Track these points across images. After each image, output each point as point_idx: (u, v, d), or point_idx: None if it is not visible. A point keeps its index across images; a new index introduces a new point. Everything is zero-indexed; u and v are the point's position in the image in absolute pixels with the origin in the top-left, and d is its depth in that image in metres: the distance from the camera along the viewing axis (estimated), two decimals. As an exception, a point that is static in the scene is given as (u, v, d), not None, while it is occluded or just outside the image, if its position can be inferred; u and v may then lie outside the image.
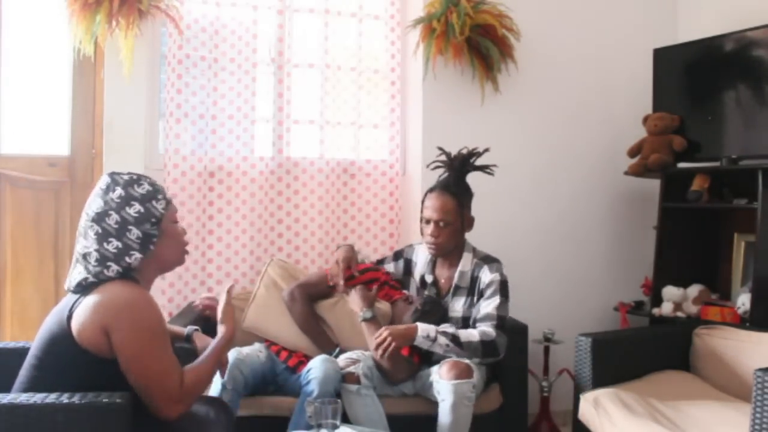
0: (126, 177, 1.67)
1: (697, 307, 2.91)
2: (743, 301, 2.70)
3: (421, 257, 2.62)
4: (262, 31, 3.09)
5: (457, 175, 2.52)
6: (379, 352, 2.24)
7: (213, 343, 1.78)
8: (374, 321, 2.42)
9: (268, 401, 2.36)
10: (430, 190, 2.51)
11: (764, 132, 2.76)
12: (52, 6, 2.78)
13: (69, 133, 2.95)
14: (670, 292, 2.95)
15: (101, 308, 1.54)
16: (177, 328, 2.09)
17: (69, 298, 1.63)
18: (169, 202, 1.72)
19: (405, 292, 2.67)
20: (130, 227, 1.62)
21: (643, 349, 2.62)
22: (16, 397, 1.48)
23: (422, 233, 2.53)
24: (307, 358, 2.43)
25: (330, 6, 3.15)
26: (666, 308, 2.96)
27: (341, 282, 2.51)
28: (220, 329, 1.82)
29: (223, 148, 3.01)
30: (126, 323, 1.53)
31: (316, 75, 3.17)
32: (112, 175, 1.67)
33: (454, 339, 2.29)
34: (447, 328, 2.34)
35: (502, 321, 2.37)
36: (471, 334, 2.32)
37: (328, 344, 2.49)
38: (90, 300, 1.57)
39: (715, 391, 2.42)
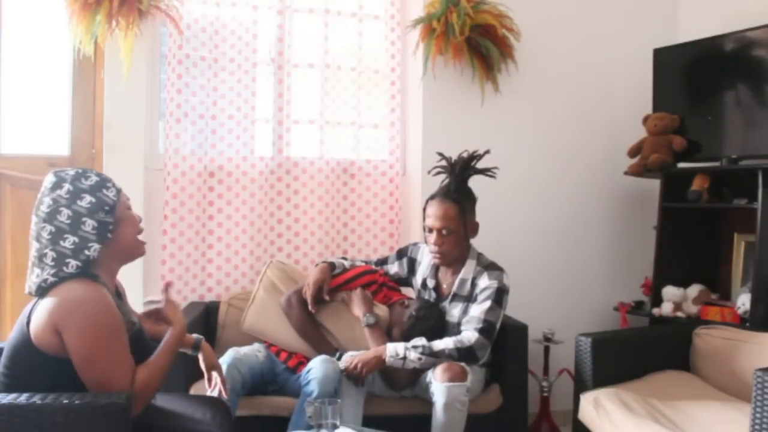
0: (71, 172, 1.65)
1: (697, 307, 2.91)
2: (743, 301, 2.70)
3: (426, 258, 2.59)
4: (262, 31, 3.09)
5: (458, 181, 2.48)
6: (352, 381, 2.25)
7: (164, 339, 1.74)
8: (377, 326, 2.41)
9: (268, 401, 2.35)
10: (431, 198, 2.47)
11: (764, 132, 2.76)
12: (52, 6, 2.78)
13: (69, 133, 2.95)
14: (670, 292, 2.95)
15: (53, 309, 1.53)
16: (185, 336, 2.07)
17: (28, 305, 1.62)
18: (119, 190, 1.69)
19: (403, 294, 2.67)
20: (84, 219, 1.60)
21: (643, 349, 2.62)
22: (16, 397, 1.47)
23: (426, 242, 2.51)
24: (307, 358, 2.42)
25: (330, 6, 3.15)
26: (666, 308, 2.95)
27: (311, 306, 2.46)
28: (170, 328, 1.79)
29: (223, 148, 3.01)
30: (76, 321, 1.52)
31: (316, 75, 3.17)
32: (56, 173, 1.65)
33: (426, 350, 2.26)
34: (417, 341, 2.30)
35: (488, 325, 2.33)
36: (445, 343, 2.29)
37: (327, 349, 2.47)
38: (45, 302, 1.56)
39: (715, 391, 2.42)
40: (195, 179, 2.95)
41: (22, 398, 1.47)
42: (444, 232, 2.41)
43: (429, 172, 2.61)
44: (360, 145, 3.22)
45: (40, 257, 1.60)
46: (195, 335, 2.05)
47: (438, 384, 2.20)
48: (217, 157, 3.00)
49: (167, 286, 1.88)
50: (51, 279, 1.58)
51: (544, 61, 3.30)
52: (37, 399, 1.46)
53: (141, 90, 2.89)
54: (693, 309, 2.91)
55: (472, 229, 2.49)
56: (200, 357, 2.01)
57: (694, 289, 2.95)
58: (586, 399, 2.37)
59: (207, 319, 2.76)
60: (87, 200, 1.61)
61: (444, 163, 2.54)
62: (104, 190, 1.64)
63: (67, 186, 1.62)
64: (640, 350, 2.61)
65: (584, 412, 2.37)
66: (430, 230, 2.44)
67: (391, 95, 3.22)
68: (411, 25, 3.14)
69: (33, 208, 1.64)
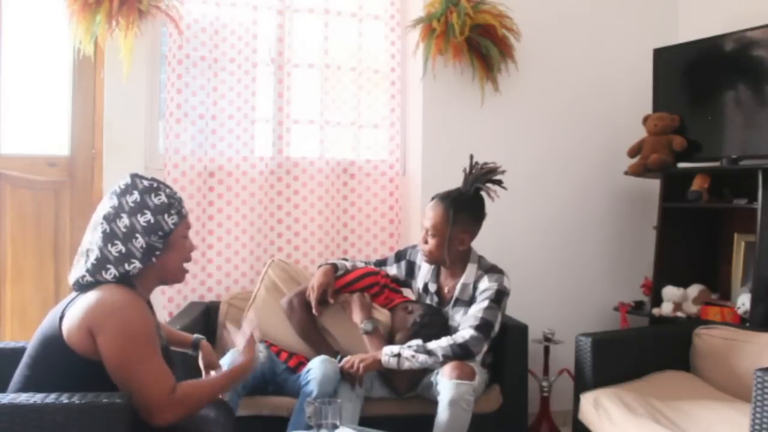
0: (146, 183, 1.65)
1: (697, 307, 2.91)
2: (743, 301, 2.70)
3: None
4: (262, 31, 3.09)
5: (463, 191, 2.48)
6: (349, 378, 2.26)
7: (228, 369, 1.75)
8: (375, 333, 2.40)
9: (268, 401, 2.35)
10: (432, 198, 2.51)
11: (764, 132, 2.76)
12: (52, 6, 2.78)
13: (69, 133, 2.95)
14: (670, 292, 2.95)
15: (90, 310, 1.53)
16: (183, 334, 2.06)
17: (66, 298, 1.63)
18: (183, 217, 1.70)
19: (405, 296, 2.66)
20: (137, 235, 1.61)
21: (643, 349, 2.61)
22: (16, 397, 1.47)
23: None
24: (307, 359, 2.42)
25: (330, 6, 3.15)
26: (666, 308, 2.95)
27: (315, 309, 2.46)
28: (239, 358, 1.80)
29: (223, 148, 3.01)
30: (111, 327, 1.51)
31: (316, 75, 3.17)
32: (133, 177, 1.67)
33: (420, 348, 2.27)
34: (413, 342, 2.31)
35: (484, 322, 2.33)
36: (439, 342, 2.29)
37: (328, 352, 2.45)
38: (82, 301, 1.56)
39: (715, 391, 2.41)
40: (195, 179, 2.95)
41: (22, 398, 1.47)
42: (430, 232, 2.45)
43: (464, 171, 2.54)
44: (360, 145, 3.22)
45: (87, 251, 1.61)
46: (195, 335, 2.05)
47: (446, 380, 2.20)
48: (217, 157, 3.00)
49: (257, 328, 1.90)
50: (88, 278, 1.59)
51: (544, 61, 3.29)
52: (37, 399, 1.46)
53: (141, 90, 2.89)
54: (693, 309, 2.91)
55: (459, 240, 2.46)
56: (199, 356, 2.01)
57: (694, 289, 2.95)
58: (586, 399, 2.37)
59: (207, 319, 2.76)
60: (146, 218, 1.62)
61: (467, 168, 2.51)
62: (166, 215, 1.65)
63: (136, 195, 1.63)
64: (640, 350, 2.61)
65: (584, 412, 2.37)
66: (423, 227, 2.48)
67: (391, 95, 3.22)
68: (411, 25, 3.14)
69: (107, 194, 1.66)
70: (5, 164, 2.87)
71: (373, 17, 3.24)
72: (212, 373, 2.01)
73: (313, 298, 2.46)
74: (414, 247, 2.69)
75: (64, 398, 1.47)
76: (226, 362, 2.26)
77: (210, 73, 3.00)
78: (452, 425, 2.16)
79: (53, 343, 1.55)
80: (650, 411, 2.21)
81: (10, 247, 2.87)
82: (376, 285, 2.58)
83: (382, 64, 3.23)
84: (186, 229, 1.73)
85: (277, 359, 2.49)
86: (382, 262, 2.73)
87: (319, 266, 2.60)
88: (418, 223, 2.55)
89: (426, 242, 2.48)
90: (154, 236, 1.63)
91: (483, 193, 2.50)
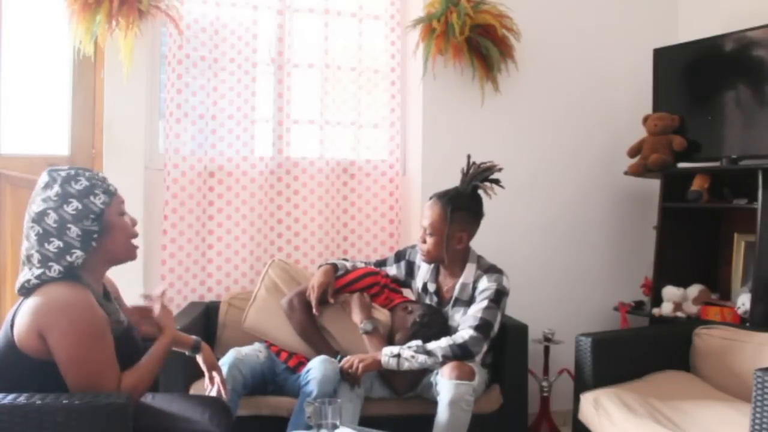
0: (63, 173, 1.62)
1: (697, 307, 2.91)
2: (743, 301, 2.70)
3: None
4: (262, 31, 3.09)
5: (461, 190, 2.48)
6: (348, 378, 2.26)
7: (153, 346, 1.73)
8: (375, 333, 2.40)
9: (267, 401, 2.35)
10: (430, 197, 2.51)
11: (764, 132, 2.76)
12: (52, 6, 2.78)
13: (69, 133, 2.95)
14: (670, 292, 2.95)
15: (36, 312, 1.52)
16: (183, 335, 2.06)
17: (14, 306, 1.61)
18: (112, 195, 1.67)
19: (405, 296, 2.66)
20: (69, 225, 1.58)
21: (643, 349, 2.61)
22: (15, 397, 1.47)
23: None
24: (307, 359, 2.42)
25: (330, 6, 3.15)
26: (666, 308, 2.95)
27: (316, 309, 2.46)
28: (161, 334, 1.78)
29: (223, 148, 3.01)
30: (60, 325, 1.50)
31: (316, 75, 3.17)
32: (50, 171, 1.63)
33: (420, 348, 2.27)
34: (413, 342, 2.31)
35: (483, 322, 2.33)
36: (439, 343, 2.29)
37: (329, 352, 2.45)
38: (28, 303, 1.55)
39: (715, 391, 2.41)
40: (195, 179, 2.95)
41: (22, 398, 1.47)
42: (428, 231, 2.46)
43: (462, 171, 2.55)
44: (360, 145, 3.22)
45: (28, 257, 1.60)
46: (194, 337, 2.05)
47: (445, 381, 2.20)
48: (217, 157, 3.00)
49: (164, 293, 1.87)
50: (34, 281, 1.57)
51: (544, 61, 3.29)
52: (37, 399, 1.46)
53: (141, 90, 2.89)
54: (693, 309, 2.91)
55: (457, 239, 2.46)
56: (200, 358, 2.01)
57: (694, 289, 2.95)
58: (586, 399, 2.37)
59: (207, 319, 2.76)
60: (73, 206, 1.59)
61: (464, 167, 2.51)
62: (92, 197, 1.62)
63: (56, 188, 1.60)
64: (640, 350, 2.61)
65: (584, 412, 2.37)
66: (422, 226, 2.49)
67: (391, 95, 3.22)
68: (411, 25, 3.14)
69: (27, 204, 1.63)
70: (5, 164, 2.87)
71: (373, 17, 3.23)
72: (214, 374, 2.01)
73: (313, 297, 2.46)
74: (413, 247, 2.69)
75: (64, 398, 1.47)
76: (227, 361, 2.27)
77: (210, 73, 3.00)
78: (452, 425, 2.16)
79: (7, 351, 1.54)
80: (650, 411, 2.21)
81: (10, 247, 2.86)
82: (376, 285, 2.58)
83: (382, 64, 3.23)
84: (119, 204, 1.69)
85: (277, 359, 2.49)
86: (381, 263, 2.73)
87: (319, 266, 2.60)
88: (418, 223, 2.55)
89: (424, 241, 2.48)
90: (87, 221, 1.60)
91: (481, 192, 2.50)
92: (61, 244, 1.58)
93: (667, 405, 2.25)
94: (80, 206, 1.60)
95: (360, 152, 3.22)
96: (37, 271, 1.57)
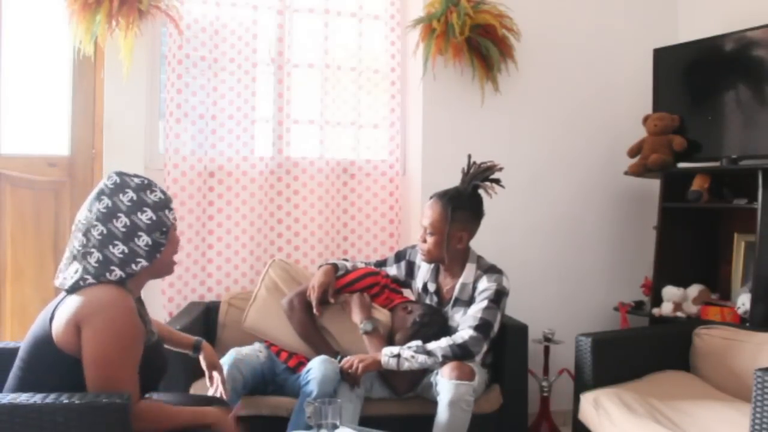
0: (137, 180, 1.63)
1: (697, 307, 2.91)
2: (743, 301, 2.70)
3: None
4: (262, 31, 3.09)
5: (461, 189, 2.49)
6: (348, 378, 2.26)
7: (191, 410, 1.67)
8: (375, 333, 2.40)
9: (267, 401, 2.35)
10: (430, 196, 2.51)
11: (764, 132, 2.76)
12: (52, 6, 2.78)
13: (69, 133, 2.95)
14: (670, 292, 2.95)
15: (80, 306, 1.52)
16: (184, 336, 2.05)
17: (55, 299, 1.61)
18: (174, 211, 1.71)
19: (405, 296, 2.66)
20: (140, 233, 1.59)
21: (643, 349, 2.62)
22: (16, 397, 1.47)
23: None
24: (307, 359, 2.42)
25: (330, 6, 3.15)
26: (666, 308, 2.95)
27: (316, 309, 2.46)
28: (215, 409, 1.72)
29: (223, 148, 3.01)
30: (99, 320, 1.50)
31: (316, 75, 3.17)
32: (121, 175, 1.63)
33: (420, 349, 2.27)
34: (413, 342, 2.31)
35: (483, 322, 2.33)
36: (439, 343, 2.29)
37: (328, 351, 2.44)
38: (71, 300, 1.55)
39: (715, 391, 2.41)
40: (195, 179, 2.95)
41: (22, 398, 1.47)
42: (428, 230, 2.45)
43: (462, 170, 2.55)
44: (360, 145, 3.22)
45: (85, 254, 1.58)
46: (195, 337, 2.05)
47: (445, 381, 2.20)
48: (217, 157, 3.00)
49: (240, 407, 1.85)
50: (91, 281, 1.56)
51: (544, 61, 3.30)
52: (37, 399, 1.46)
53: (141, 90, 2.89)
54: (693, 309, 2.91)
55: (457, 239, 2.46)
56: (201, 357, 2.01)
57: (694, 289, 2.95)
58: (586, 399, 2.37)
59: (207, 319, 2.76)
60: (148, 216, 1.61)
61: (465, 167, 2.52)
62: (166, 211, 1.65)
63: (131, 194, 1.61)
64: (640, 350, 2.61)
65: (584, 412, 2.37)
66: (422, 225, 2.49)
67: (391, 95, 3.22)
68: (411, 25, 3.14)
69: (88, 199, 1.62)
70: (5, 164, 2.87)
71: (373, 17, 3.24)
72: (215, 374, 2.01)
73: (313, 297, 2.46)
74: (414, 247, 2.69)
75: (64, 398, 1.47)
76: (227, 361, 2.27)
77: (210, 73, 3.00)
78: (452, 425, 2.16)
79: (43, 345, 1.54)
80: (650, 411, 2.21)
81: (10, 247, 2.87)
82: (376, 285, 2.58)
83: (382, 64, 3.23)
84: (176, 221, 1.74)
85: (277, 359, 2.49)
86: (382, 263, 2.73)
87: (320, 266, 2.60)
88: (418, 223, 2.55)
89: (424, 241, 2.48)
90: (157, 233, 1.62)
91: (481, 192, 2.50)
92: (126, 249, 1.58)
93: (667, 405, 2.25)
94: (155, 217, 1.62)
95: (360, 152, 3.22)
96: (96, 272, 1.56)
